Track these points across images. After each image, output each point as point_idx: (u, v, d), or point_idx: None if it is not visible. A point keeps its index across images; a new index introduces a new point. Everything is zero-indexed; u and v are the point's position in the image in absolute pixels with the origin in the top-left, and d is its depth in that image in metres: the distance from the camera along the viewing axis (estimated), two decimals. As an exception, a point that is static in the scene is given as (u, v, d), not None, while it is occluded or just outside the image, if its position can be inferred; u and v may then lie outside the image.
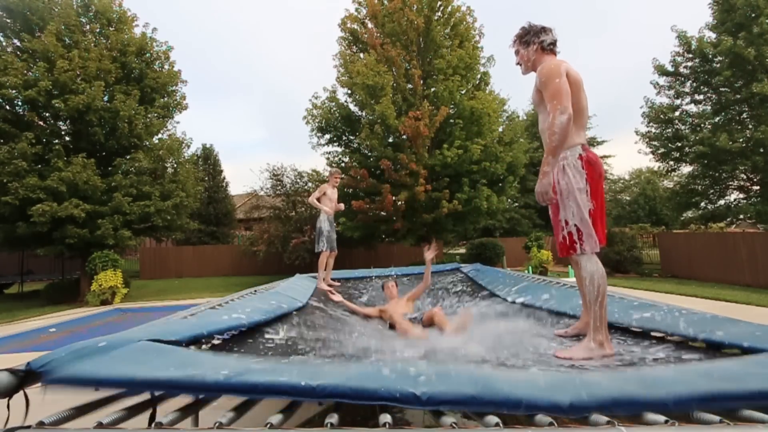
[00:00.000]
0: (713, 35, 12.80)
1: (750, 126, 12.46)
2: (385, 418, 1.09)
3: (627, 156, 69.37)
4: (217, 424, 1.08)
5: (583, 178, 2.03)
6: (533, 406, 1.10)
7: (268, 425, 1.07)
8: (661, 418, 1.06)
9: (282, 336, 2.61)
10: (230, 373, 1.19)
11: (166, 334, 1.79)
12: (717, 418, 1.07)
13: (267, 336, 2.57)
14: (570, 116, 1.97)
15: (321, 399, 1.12)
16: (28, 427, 1.09)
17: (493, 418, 1.08)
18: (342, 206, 5.74)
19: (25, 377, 1.30)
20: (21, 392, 1.28)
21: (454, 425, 1.06)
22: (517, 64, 2.39)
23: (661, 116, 13.98)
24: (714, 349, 1.87)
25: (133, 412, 1.26)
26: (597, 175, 2.05)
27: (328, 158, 14.59)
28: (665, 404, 1.10)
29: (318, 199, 5.47)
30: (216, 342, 2.25)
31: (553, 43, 2.25)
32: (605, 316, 1.99)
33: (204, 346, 2.10)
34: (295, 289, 4.44)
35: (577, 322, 2.41)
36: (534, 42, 2.27)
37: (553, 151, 2.00)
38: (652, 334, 2.22)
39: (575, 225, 2.03)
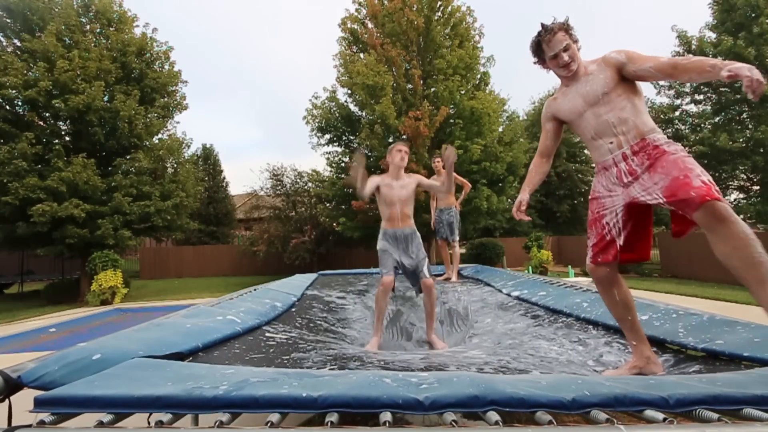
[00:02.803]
0: (713, 35, 12.79)
1: (750, 126, 12.44)
2: (386, 416, 1.09)
3: (627, 156, 69.21)
4: (217, 423, 1.07)
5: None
6: (536, 403, 1.10)
7: (269, 424, 1.07)
8: (660, 416, 1.06)
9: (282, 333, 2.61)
10: (230, 387, 1.19)
11: (162, 347, 1.79)
12: (716, 416, 1.07)
13: (268, 335, 2.58)
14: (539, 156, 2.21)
15: (323, 410, 1.12)
16: (29, 426, 1.08)
17: (493, 416, 1.08)
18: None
19: (14, 387, 1.30)
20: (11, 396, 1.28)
21: (454, 423, 1.06)
22: None
23: (661, 116, 13.97)
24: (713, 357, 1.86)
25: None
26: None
27: (328, 158, 14.60)
28: (666, 401, 1.10)
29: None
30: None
31: (536, 60, 2.09)
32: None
33: (201, 353, 2.09)
34: (291, 284, 4.53)
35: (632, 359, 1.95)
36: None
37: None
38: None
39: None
